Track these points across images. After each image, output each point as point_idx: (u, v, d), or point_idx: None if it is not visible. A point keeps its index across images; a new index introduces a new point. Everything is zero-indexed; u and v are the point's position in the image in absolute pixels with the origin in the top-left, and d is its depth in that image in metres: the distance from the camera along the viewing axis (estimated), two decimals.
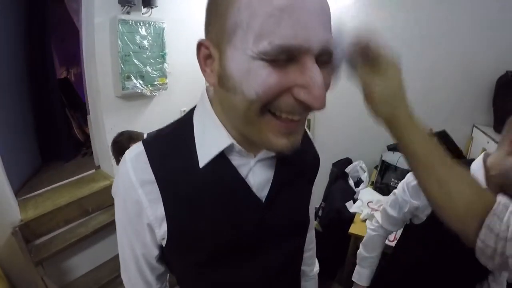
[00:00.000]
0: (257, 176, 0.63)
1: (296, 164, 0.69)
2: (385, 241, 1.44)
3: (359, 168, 2.52)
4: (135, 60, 2.34)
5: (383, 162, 2.11)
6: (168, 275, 0.79)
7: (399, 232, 1.74)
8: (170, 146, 0.61)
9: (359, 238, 1.84)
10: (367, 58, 0.56)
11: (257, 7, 0.43)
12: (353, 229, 1.86)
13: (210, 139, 0.59)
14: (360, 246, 1.48)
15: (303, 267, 0.95)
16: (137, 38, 2.35)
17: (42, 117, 3.15)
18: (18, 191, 2.40)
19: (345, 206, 2.11)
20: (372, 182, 2.30)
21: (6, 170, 2.00)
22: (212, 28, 0.50)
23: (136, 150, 0.61)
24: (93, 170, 2.77)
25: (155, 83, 2.50)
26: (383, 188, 2.09)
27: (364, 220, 1.89)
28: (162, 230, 0.61)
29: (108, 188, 2.44)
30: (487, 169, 0.97)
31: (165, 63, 2.54)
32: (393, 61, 0.57)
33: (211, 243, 0.62)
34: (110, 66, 2.34)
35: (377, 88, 0.57)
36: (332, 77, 0.54)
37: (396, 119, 0.58)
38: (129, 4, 2.26)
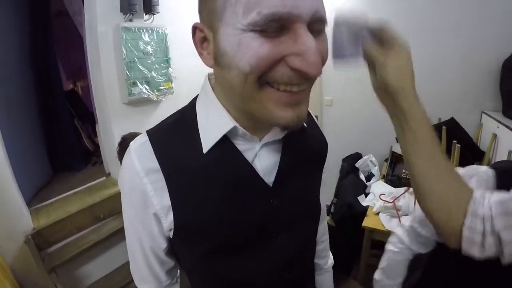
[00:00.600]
0: (264, 160, 0.63)
1: (303, 148, 0.68)
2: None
3: (369, 162, 2.50)
4: (140, 66, 2.37)
5: (393, 153, 2.09)
6: (179, 271, 0.78)
7: None
8: (174, 134, 0.61)
9: (373, 231, 1.82)
10: (381, 39, 0.60)
11: None
12: (366, 222, 1.84)
13: (213, 124, 0.59)
14: (378, 272, 1.17)
15: (317, 260, 0.94)
16: (141, 44, 2.37)
17: (51, 128, 3.20)
18: (30, 201, 2.42)
19: (357, 200, 2.09)
20: (383, 175, 2.28)
21: (17, 181, 2.03)
22: (204, 10, 0.51)
23: (141, 140, 0.61)
24: (104, 178, 2.79)
25: (161, 87, 2.51)
26: (395, 180, 2.07)
27: (377, 213, 1.86)
28: (168, 220, 0.60)
29: (119, 194, 2.42)
30: None
31: (169, 68, 2.56)
32: (405, 43, 0.61)
33: (218, 231, 0.61)
34: (116, 73, 2.37)
35: (390, 61, 0.59)
36: (327, 47, 0.53)
37: (406, 92, 0.60)
38: (131, 11, 2.29)
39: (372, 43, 0.61)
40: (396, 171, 2.08)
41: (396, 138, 2.33)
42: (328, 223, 2.17)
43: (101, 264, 2.41)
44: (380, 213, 1.85)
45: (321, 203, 0.81)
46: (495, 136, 2.05)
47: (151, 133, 0.62)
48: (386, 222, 1.77)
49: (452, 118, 2.22)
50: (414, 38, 2.39)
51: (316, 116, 0.75)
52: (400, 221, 1.72)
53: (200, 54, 0.54)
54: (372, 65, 0.63)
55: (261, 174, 0.62)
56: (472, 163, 2.13)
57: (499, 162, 1.50)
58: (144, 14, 2.46)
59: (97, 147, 3.66)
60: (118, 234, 2.34)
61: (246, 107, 0.53)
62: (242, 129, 0.58)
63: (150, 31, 2.42)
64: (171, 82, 2.58)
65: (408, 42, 0.62)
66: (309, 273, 0.86)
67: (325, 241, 0.97)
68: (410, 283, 1.16)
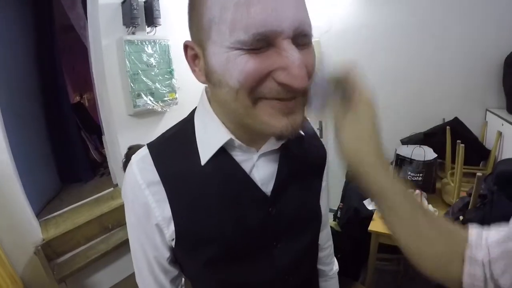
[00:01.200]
0: (261, 171, 0.63)
1: (300, 157, 0.69)
2: None
3: None
4: (144, 78, 2.40)
5: (397, 156, 2.08)
6: (183, 279, 0.78)
7: None
8: (173, 147, 0.63)
9: (379, 235, 1.81)
10: (343, 91, 0.53)
11: (225, 0, 0.45)
12: (373, 226, 1.82)
13: (210, 137, 0.60)
14: None
15: (321, 267, 0.94)
16: (144, 56, 2.41)
17: (59, 141, 3.25)
18: (39, 213, 2.48)
19: (363, 204, 2.08)
20: None
21: (26, 193, 2.07)
22: (193, 28, 0.53)
23: (141, 153, 0.62)
24: (111, 189, 2.83)
25: (165, 98, 2.54)
26: None
27: None
28: (170, 230, 0.61)
29: None
30: None
31: (173, 79, 2.59)
32: (368, 100, 0.53)
33: (218, 241, 0.62)
34: (121, 85, 2.40)
35: (346, 125, 0.52)
36: (314, 60, 0.52)
37: (363, 165, 0.52)
38: (133, 25, 2.34)
39: (336, 96, 0.54)
40: (402, 174, 2.07)
41: (400, 141, 2.35)
42: (334, 228, 2.17)
43: (110, 274, 2.44)
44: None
45: (323, 209, 0.81)
46: (500, 134, 2.03)
47: (151, 146, 0.63)
48: None
49: (456, 118, 2.21)
50: (415, 39, 2.44)
51: (320, 122, 0.75)
52: None
53: (193, 71, 0.56)
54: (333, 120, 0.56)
55: (259, 184, 0.62)
56: (478, 163, 2.13)
57: (502, 162, 1.49)
58: (146, 26, 2.50)
59: (104, 158, 3.71)
60: (126, 244, 2.32)
61: (241, 121, 0.54)
62: (238, 141, 0.59)
63: (152, 43, 2.46)
64: (175, 93, 2.61)
65: (372, 93, 0.53)
66: (311, 280, 0.86)
67: (328, 248, 0.96)
68: None
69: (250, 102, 0.48)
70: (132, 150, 1.92)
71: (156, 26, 2.49)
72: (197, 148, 0.60)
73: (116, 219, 2.42)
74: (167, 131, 0.68)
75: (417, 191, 1.86)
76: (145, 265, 0.68)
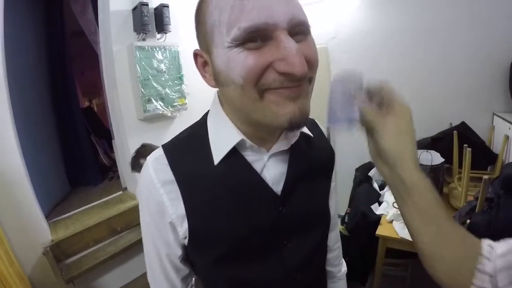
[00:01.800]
0: (272, 170, 0.65)
1: (309, 158, 0.71)
2: None
3: None
4: (154, 84, 2.44)
5: None
6: (194, 279, 0.80)
7: None
8: (187, 148, 0.65)
9: (387, 239, 1.82)
10: (379, 100, 0.58)
11: (222, 4, 0.49)
12: (380, 230, 1.83)
13: (223, 138, 0.62)
14: None
15: (330, 268, 0.95)
16: (154, 62, 2.46)
17: (68, 145, 3.30)
18: (48, 215, 2.51)
19: (371, 209, 2.08)
20: None
21: (36, 195, 2.12)
22: (200, 37, 0.57)
23: (157, 154, 0.65)
24: (120, 192, 2.86)
25: (175, 104, 2.58)
26: None
27: (391, 221, 1.85)
28: (183, 228, 0.63)
29: (136, 207, 2.46)
30: None
31: (183, 85, 2.63)
32: (405, 104, 0.57)
33: (230, 239, 0.63)
34: (131, 90, 2.45)
35: (388, 126, 0.55)
36: (314, 50, 0.54)
37: (405, 161, 0.55)
38: (144, 31, 2.39)
39: (369, 105, 0.58)
40: None
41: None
42: (342, 232, 2.18)
43: (118, 276, 2.46)
44: (393, 221, 1.83)
45: (332, 211, 0.83)
46: (507, 137, 2.02)
47: (166, 147, 0.66)
48: (400, 229, 1.76)
49: (463, 122, 2.21)
50: (422, 43, 2.45)
51: (328, 128, 0.77)
52: None
53: (204, 77, 0.60)
54: (369, 130, 0.59)
55: (270, 184, 0.64)
56: (486, 167, 2.13)
57: (509, 166, 1.48)
58: (157, 33, 2.56)
59: (113, 162, 3.76)
60: (135, 247, 2.39)
61: (250, 118, 0.56)
62: (249, 141, 0.61)
63: (163, 50, 2.50)
64: (185, 98, 2.65)
65: (407, 104, 0.57)
66: (320, 280, 0.86)
67: (337, 249, 0.97)
68: None
69: (257, 95, 0.51)
70: (144, 148, 1.96)
71: (166, 33, 2.54)
72: (210, 149, 0.62)
73: (125, 221, 2.45)
74: (181, 133, 0.70)
75: None
76: (157, 263, 0.70)
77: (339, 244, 0.98)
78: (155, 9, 2.51)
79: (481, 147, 2.15)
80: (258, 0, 0.47)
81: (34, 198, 2.09)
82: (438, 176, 1.98)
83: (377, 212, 2.04)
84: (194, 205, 0.62)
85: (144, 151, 1.98)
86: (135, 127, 2.49)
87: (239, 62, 0.48)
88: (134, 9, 2.40)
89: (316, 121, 0.81)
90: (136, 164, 2.00)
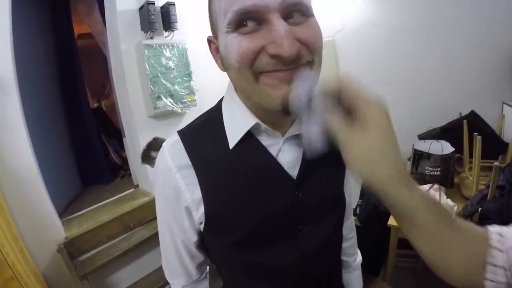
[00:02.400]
0: (287, 155, 0.65)
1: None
2: None
3: None
4: (163, 81, 2.47)
5: (415, 151, 2.08)
6: (208, 267, 0.81)
7: None
8: (203, 133, 0.66)
9: (398, 230, 1.82)
10: (342, 105, 0.48)
11: None
12: (392, 221, 1.81)
13: (238, 122, 0.63)
14: None
15: (345, 258, 0.95)
16: (163, 60, 2.48)
17: (80, 144, 3.35)
18: (62, 213, 2.55)
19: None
20: None
21: (49, 193, 2.15)
22: (210, 24, 0.60)
23: (172, 140, 0.66)
24: (132, 189, 2.89)
25: (185, 100, 2.60)
26: (419, 177, 2.04)
27: None
28: (199, 212, 0.64)
29: (148, 204, 2.55)
30: None
31: (191, 81, 2.65)
32: (376, 105, 0.46)
33: (246, 223, 0.64)
34: (140, 88, 2.48)
35: (355, 141, 0.46)
36: (315, 32, 0.52)
37: (380, 182, 0.45)
38: (152, 29, 2.42)
39: (336, 113, 0.47)
40: (420, 169, 2.07)
41: (418, 136, 2.35)
42: (354, 222, 2.18)
43: (131, 271, 2.49)
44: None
45: (347, 199, 0.82)
46: None
47: (182, 133, 0.67)
48: None
49: (472, 112, 2.20)
50: (429, 34, 2.44)
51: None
52: None
53: (216, 61, 0.62)
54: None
55: (285, 168, 0.64)
56: (496, 156, 2.12)
57: None
58: (164, 31, 2.58)
59: (124, 161, 3.80)
60: (148, 243, 2.42)
61: (252, 101, 0.58)
62: (264, 125, 0.62)
63: (170, 47, 2.52)
64: (194, 95, 2.67)
65: (382, 99, 0.45)
66: (335, 268, 0.86)
67: (352, 238, 0.97)
68: None
69: (252, 77, 0.52)
70: (156, 141, 1.98)
71: (173, 30, 2.56)
72: (225, 134, 0.63)
73: (137, 218, 2.48)
74: (196, 119, 0.71)
75: (436, 186, 1.86)
76: (173, 250, 0.72)
77: (354, 233, 0.98)
78: (162, 7, 2.53)
79: (491, 136, 2.14)
80: None
81: (47, 197, 2.13)
82: (448, 166, 1.98)
83: None
84: (210, 189, 0.63)
85: (155, 143, 2.00)
86: (146, 124, 2.52)
87: (234, 46, 0.50)
88: (141, 8, 2.42)
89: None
90: (147, 156, 2.02)
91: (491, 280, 0.46)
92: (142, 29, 2.46)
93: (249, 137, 0.62)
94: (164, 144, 0.66)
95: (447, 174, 1.98)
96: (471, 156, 1.91)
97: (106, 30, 2.69)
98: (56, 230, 2.17)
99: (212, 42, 0.61)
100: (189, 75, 2.62)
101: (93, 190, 3.28)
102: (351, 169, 0.48)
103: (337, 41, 2.80)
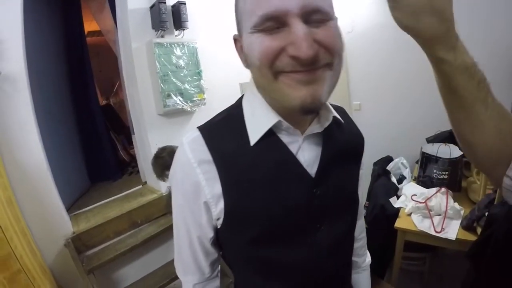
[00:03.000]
0: (306, 153, 0.67)
1: (341, 142, 0.72)
2: None
3: (400, 165, 2.49)
4: (173, 79, 2.48)
5: (423, 154, 2.08)
6: (219, 266, 0.82)
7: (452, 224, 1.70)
8: (224, 129, 0.67)
9: (405, 232, 1.82)
10: None
11: None
12: (399, 223, 1.83)
13: (259, 119, 0.64)
14: None
15: (355, 258, 0.95)
16: (173, 58, 2.49)
17: (88, 141, 3.38)
18: (69, 208, 2.59)
19: (389, 201, 2.08)
20: (415, 177, 2.26)
21: (58, 189, 2.18)
22: (236, 23, 0.62)
23: (193, 135, 0.66)
24: (140, 186, 2.92)
25: (194, 99, 2.61)
26: (426, 181, 2.05)
27: (409, 214, 1.86)
28: (218, 208, 0.65)
29: (155, 201, 2.57)
30: None
31: (201, 80, 2.66)
32: None
33: (265, 218, 0.64)
34: (151, 86, 2.50)
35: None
36: (335, 35, 0.55)
37: (427, 42, 0.52)
38: (162, 28, 2.43)
39: None
40: (427, 172, 2.06)
41: (426, 139, 2.34)
42: None
43: (137, 268, 2.51)
44: (412, 214, 1.84)
45: (359, 199, 0.84)
46: None
47: (202, 129, 0.67)
48: (418, 222, 1.76)
49: None
50: None
51: None
52: (432, 221, 1.72)
53: (241, 59, 0.64)
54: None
55: (304, 165, 0.66)
56: None
57: None
58: (175, 30, 2.59)
59: (132, 158, 3.83)
60: (154, 239, 2.44)
61: (272, 99, 0.60)
62: (286, 123, 0.63)
63: (181, 46, 2.54)
64: (204, 94, 2.68)
65: None
66: (346, 268, 0.87)
67: (362, 239, 0.98)
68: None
69: (271, 76, 0.54)
70: (165, 151, 2.00)
71: (184, 29, 2.57)
72: (246, 130, 0.64)
73: (145, 214, 2.50)
74: (216, 116, 0.72)
75: (443, 189, 1.86)
76: (187, 246, 0.73)
77: (364, 234, 0.99)
78: (173, 6, 2.54)
79: None
80: None
81: (56, 192, 2.15)
82: (456, 170, 1.98)
83: (396, 205, 2.04)
84: (231, 184, 0.63)
85: (164, 153, 2.01)
86: (155, 122, 2.54)
87: (256, 45, 0.53)
88: (152, 6, 2.44)
89: (343, 108, 0.83)
90: (161, 173, 2.04)
91: (509, 177, 0.50)
92: (153, 27, 2.47)
93: (270, 134, 0.64)
94: (184, 139, 0.67)
95: (454, 177, 1.98)
96: None
97: (116, 28, 2.72)
98: (64, 225, 2.20)
99: (237, 41, 0.64)
100: (199, 73, 2.63)
101: (100, 186, 3.31)
102: (398, 21, 0.51)
103: (346, 42, 2.81)
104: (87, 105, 3.40)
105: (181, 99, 2.51)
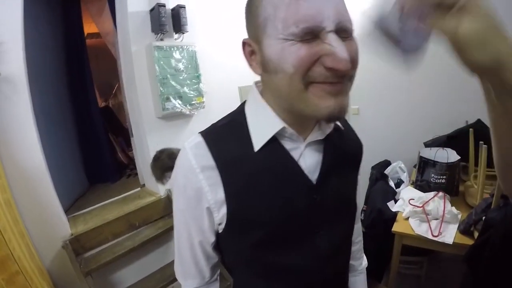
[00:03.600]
0: (308, 159, 0.68)
1: (341, 149, 0.73)
2: None
3: (398, 169, 2.51)
4: (172, 82, 2.48)
5: (421, 158, 2.10)
6: (219, 270, 0.82)
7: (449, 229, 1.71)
8: (227, 135, 0.68)
9: (402, 236, 1.83)
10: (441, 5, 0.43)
11: (278, 1, 0.54)
12: (396, 227, 1.83)
13: (263, 125, 0.65)
14: None
15: (352, 262, 0.96)
16: (172, 62, 2.49)
17: (87, 142, 3.38)
18: (67, 210, 2.57)
19: (387, 205, 2.09)
20: (413, 182, 2.27)
21: (56, 190, 2.16)
22: (250, 27, 0.61)
23: (195, 140, 0.67)
24: (138, 188, 2.92)
25: (193, 102, 2.61)
26: (424, 185, 2.06)
27: (407, 218, 1.87)
28: (221, 213, 0.66)
29: (154, 204, 2.57)
30: None
31: (200, 83, 2.66)
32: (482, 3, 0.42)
33: (267, 224, 0.65)
34: (150, 89, 2.50)
35: (467, 26, 0.41)
36: (357, 50, 0.58)
37: (503, 64, 0.41)
38: (162, 31, 2.43)
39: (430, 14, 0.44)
40: (425, 176, 2.08)
41: (424, 143, 2.35)
42: None
43: (135, 270, 2.51)
44: (409, 218, 1.85)
45: (357, 204, 0.86)
46: None
47: (205, 134, 0.68)
48: (416, 226, 1.77)
49: (479, 120, 2.20)
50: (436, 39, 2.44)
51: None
52: (430, 225, 1.73)
53: (250, 65, 0.64)
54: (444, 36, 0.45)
55: (306, 172, 0.67)
56: None
57: None
58: (174, 33, 2.60)
59: (130, 160, 3.83)
60: (152, 242, 2.44)
61: (293, 107, 0.60)
62: (291, 129, 0.64)
63: (180, 49, 2.54)
64: (203, 97, 2.68)
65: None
66: (344, 272, 0.88)
67: (359, 243, 1.00)
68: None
69: (302, 86, 0.55)
70: (163, 154, 1.99)
71: (183, 33, 2.57)
72: (250, 136, 0.65)
73: (143, 217, 2.49)
74: (218, 121, 0.73)
75: (440, 193, 1.87)
76: (188, 250, 0.73)
77: (361, 237, 1.01)
78: (172, 9, 2.55)
79: None
80: (312, 2, 0.51)
81: (54, 194, 2.14)
82: (454, 174, 1.99)
83: (393, 209, 2.05)
84: (234, 190, 0.64)
85: (164, 155, 2.01)
86: (154, 124, 2.54)
87: (292, 53, 0.53)
88: (152, 10, 2.45)
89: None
90: (160, 176, 2.02)
91: None
92: (153, 30, 2.48)
93: (273, 140, 0.65)
94: (186, 145, 0.67)
95: (452, 182, 2.00)
96: (476, 164, 1.92)
97: (116, 30, 2.73)
98: (62, 227, 2.19)
99: (247, 45, 0.63)
100: (198, 77, 2.64)
101: (99, 188, 3.31)
102: (470, 50, 0.42)
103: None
104: (86, 107, 3.40)
105: (180, 102, 2.52)
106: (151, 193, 2.73)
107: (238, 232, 0.68)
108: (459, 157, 2.00)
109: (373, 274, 2.16)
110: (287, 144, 0.66)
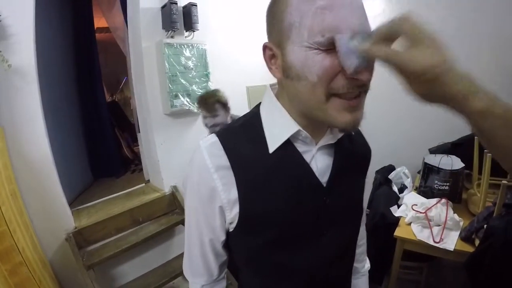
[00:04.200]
0: (319, 162, 0.69)
1: (351, 153, 0.74)
2: None
3: (402, 174, 2.51)
4: (181, 80, 2.51)
5: (425, 164, 2.10)
6: (226, 269, 0.83)
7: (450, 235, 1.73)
8: (242, 136, 0.69)
9: (404, 241, 1.84)
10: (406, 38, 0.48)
11: (304, 9, 0.53)
12: (399, 232, 1.85)
13: (278, 128, 0.66)
14: None
15: (355, 264, 0.96)
16: (182, 59, 2.52)
17: (93, 137, 3.39)
18: (72, 203, 2.60)
19: (390, 210, 2.10)
20: (416, 187, 2.28)
21: (61, 183, 2.19)
22: (273, 32, 0.61)
23: (211, 140, 0.68)
24: (143, 184, 2.93)
25: None
26: (427, 191, 2.07)
27: (409, 224, 1.88)
28: (233, 212, 0.67)
29: (158, 200, 2.59)
30: None
31: (209, 82, 2.68)
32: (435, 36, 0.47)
33: (277, 224, 0.67)
34: (159, 85, 2.53)
35: (414, 59, 0.46)
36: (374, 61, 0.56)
37: (450, 75, 0.46)
38: (173, 29, 2.46)
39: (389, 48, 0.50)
40: (429, 183, 2.09)
41: (429, 150, 2.35)
42: None
43: (137, 265, 2.53)
44: (412, 223, 1.86)
45: (364, 206, 0.87)
46: None
47: (220, 134, 0.69)
48: (418, 232, 1.78)
49: None
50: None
51: None
52: (431, 231, 1.74)
53: (270, 69, 0.64)
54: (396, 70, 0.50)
55: (317, 174, 0.68)
56: (506, 174, 2.12)
57: None
58: (185, 31, 2.62)
59: (135, 155, 3.84)
60: (155, 238, 2.45)
61: (310, 113, 0.61)
62: (305, 132, 0.65)
63: (190, 47, 2.57)
64: None
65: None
66: (349, 273, 0.89)
67: (363, 245, 1.00)
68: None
69: (324, 97, 0.56)
70: (209, 95, 2.01)
71: (194, 31, 2.60)
72: (265, 138, 0.66)
73: (147, 213, 2.52)
74: (232, 122, 0.74)
75: (443, 200, 1.88)
76: (198, 248, 0.75)
77: (365, 240, 1.01)
78: (184, 7, 2.57)
79: None
80: (337, 12, 0.52)
81: (59, 186, 2.16)
82: (457, 181, 2.00)
83: (396, 214, 2.06)
84: (247, 190, 0.65)
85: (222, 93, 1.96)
86: (161, 121, 2.57)
87: (317, 62, 0.53)
88: (163, 6, 2.47)
89: None
90: (212, 107, 1.94)
91: None
92: (164, 27, 2.50)
93: (287, 143, 0.65)
94: (201, 144, 0.68)
95: (455, 189, 2.00)
96: (480, 172, 1.92)
97: (126, 26, 2.74)
98: (66, 219, 2.21)
99: (268, 49, 0.62)
100: (207, 75, 2.66)
101: (103, 182, 3.33)
102: (417, 75, 0.47)
103: None
104: (93, 101, 3.42)
105: (188, 100, 2.54)
106: (156, 189, 2.74)
107: (249, 231, 0.69)
108: (463, 165, 2.01)
109: (373, 277, 2.17)
110: (300, 147, 0.67)
